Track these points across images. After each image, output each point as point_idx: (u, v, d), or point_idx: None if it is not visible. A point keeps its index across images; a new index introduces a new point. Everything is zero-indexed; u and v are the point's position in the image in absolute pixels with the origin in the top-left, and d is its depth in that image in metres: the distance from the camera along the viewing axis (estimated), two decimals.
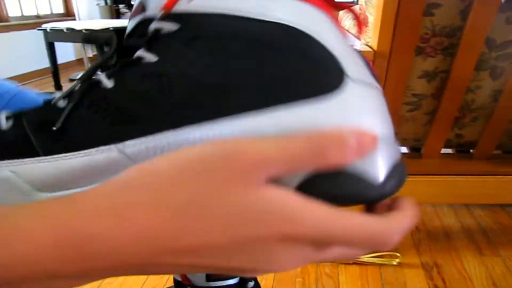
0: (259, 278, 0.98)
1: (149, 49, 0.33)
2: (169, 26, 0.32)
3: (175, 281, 0.92)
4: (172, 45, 0.32)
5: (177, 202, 0.25)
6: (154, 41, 0.33)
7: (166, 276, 1.28)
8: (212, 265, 0.27)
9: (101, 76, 0.33)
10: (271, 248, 0.27)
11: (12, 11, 4.76)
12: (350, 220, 0.28)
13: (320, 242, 0.28)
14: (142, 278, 1.28)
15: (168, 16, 0.32)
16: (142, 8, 0.34)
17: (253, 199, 0.26)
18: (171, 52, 0.32)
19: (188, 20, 0.32)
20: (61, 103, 0.33)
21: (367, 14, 1.16)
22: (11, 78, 4.49)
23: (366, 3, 1.15)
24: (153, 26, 0.33)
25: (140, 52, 0.33)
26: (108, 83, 0.32)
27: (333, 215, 0.27)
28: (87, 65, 4.76)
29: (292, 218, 0.26)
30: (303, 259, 0.29)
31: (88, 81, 0.33)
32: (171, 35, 0.32)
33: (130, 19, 0.35)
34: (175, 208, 0.25)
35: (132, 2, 4.45)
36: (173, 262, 0.27)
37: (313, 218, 0.27)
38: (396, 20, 1.05)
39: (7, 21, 4.62)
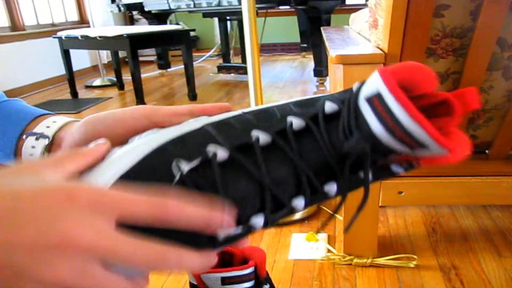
0: (275, 282, 0.99)
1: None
2: (399, 170, 0.39)
3: (191, 284, 0.93)
4: None
5: None
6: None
7: (184, 280, 1.29)
8: None
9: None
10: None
11: (28, 20, 4.83)
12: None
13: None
14: (159, 282, 1.29)
15: None
16: (415, 148, 0.35)
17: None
18: None
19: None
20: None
21: (377, 16, 1.16)
22: (27, 86, 4.57)
23: (375, 6, 1.15)
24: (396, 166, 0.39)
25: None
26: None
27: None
28: (102, 71, 4.80)
29: None
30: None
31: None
32: None
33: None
34: None
35: (146, 9, 4.48)
36: None
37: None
38: (406, 22, 1.05)
39: (23, 29, 4.70)
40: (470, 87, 0.37)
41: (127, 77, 4.47)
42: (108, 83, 4.74)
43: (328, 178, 0.38)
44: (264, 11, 4.06)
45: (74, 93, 4.20)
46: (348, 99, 0.38)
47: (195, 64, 3.99)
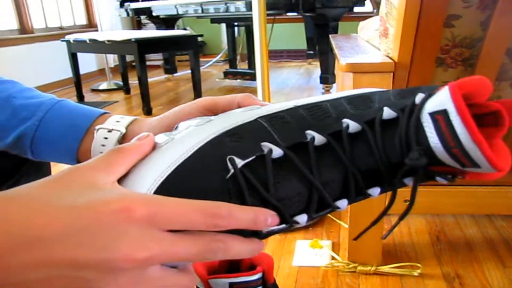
0: None
1: None
2: (444, 181, 0.39)
3: None
4: None
5: None
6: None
7: None
8: None
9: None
10: None
11: (37, 23, 4.87)
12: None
13: None
14: None
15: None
16: (468, 166, 0.35)
17: None
18: None
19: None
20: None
21: (387, 25, 1.17)
22: (35, 88, 4.57)
23: (386, 15, 1.16)
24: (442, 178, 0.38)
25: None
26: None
27: None
28: (109, 75, 4.83)
29: None
30: None
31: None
32: None
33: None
34: None
35: (154, 14, 4.51)
36: None
37: None
38: (417, 32, 1.06)
39: (32, 32, 4.73)
40: None
41: (133, 81, 4.49)
42: (114, 87, 4.77)
43: (375, 183, 0.39)
44: (272, 17, 4.08)
45: (80, 96, 4.22)
46: (409, 109, 0.37)
47: (201, 69, 4.00)
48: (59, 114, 0.54)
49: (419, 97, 0.37)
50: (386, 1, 1.16)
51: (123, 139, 0.50)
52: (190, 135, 0.39)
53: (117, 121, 0.52)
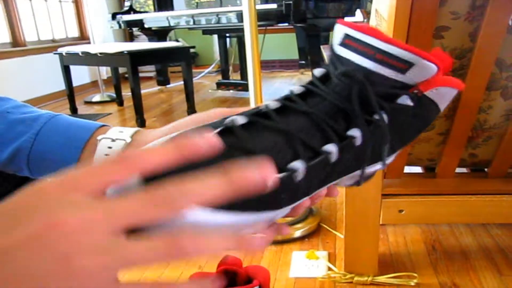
0: None
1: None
2: (408, 102, 0.41)
3: None
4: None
5: None
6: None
7: None
8: None
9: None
10: None
11: (29, 35, 4.86)
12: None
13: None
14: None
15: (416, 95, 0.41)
16: (404, 69, 0.39)
17: None
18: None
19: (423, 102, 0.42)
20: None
21: None
22: (28, 101, 4.55)
23: (376, 27, 1.17)
24: (403, 98, 0.41)
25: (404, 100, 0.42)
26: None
27: None
28: (102, 87, 4.82)
29: None
30: None
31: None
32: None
33: (381, 64, 0.40)
34: None
35: (146, 26, 4.52)
36: None
37: None
38: (407, 43, 1.06)
39: (24, 45, 4.73)
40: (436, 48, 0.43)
41: (126, 93, 4.49)
42: (108, 99, 4.76)
43: (348, 125, 0.41)
44: (264, 28, 4.10)
45: (74, 109, 4.21)
46: (329, 58, 0.44)
47: (194, 80, 4.01)
48: (57, 127, 0.53)
49: (323, 47, 0.44)
50: (375, 13, 1.17)
51: (127, 149, 0.50)
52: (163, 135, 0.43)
53: (120, 132, 0.51)
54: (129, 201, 0.30)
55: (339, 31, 0.42)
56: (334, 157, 0.40)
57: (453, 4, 1.02)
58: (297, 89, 0.43)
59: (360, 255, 1.34)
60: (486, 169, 1.38)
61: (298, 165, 0.37)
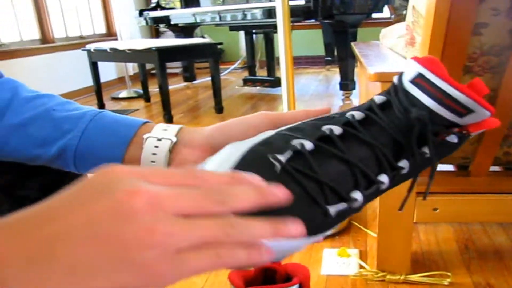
0: None
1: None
2: (455, 140, 0.44)
3: None
4: None
5: None
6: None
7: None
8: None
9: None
10: None
11: (58, 32, 4.94)
12: None
13: None
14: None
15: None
16: (464, 114, 0.42)
17: None
18: None
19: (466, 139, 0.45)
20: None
21: (414, 34, 1.17)
22: None
23: (413, 24, 1.16)
24: (451, 137, 0.44)
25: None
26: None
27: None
28: (129, 83, 4.87)
29: None
30: None
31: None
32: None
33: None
34: None
35: (172, 22, 4.55)
36: None
37: None
38: (445, 41, 1.05)
39: (53, 42, 4.80)
40: (476, 78, 0.44)
41: (152, 89, 4.52)
42: (134, 95, 4.81)
43: (401, 156, 0.44)
44: (291, 24, 4.09)
45: (101, 105, 4.26)
46: (393, 88, 0.45)
47: (220, 76, 4.02)
48: (102, 124, 0.54)
49: (394, 78, 0.45)
50: (412, 10, 1.16)
51: (173, 148, 0.51)
52: (225, 154, 0.42)
53: (164, 130, 0.52)
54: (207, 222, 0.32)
55: (412, 68, 0.43)
56: (385, 186, 0.43)
57: (494, 0, 1.00)
58: (358, 115, 0.44)
59: (392, 253, 1.33)
60: None
61: (358, 196, 0.41)
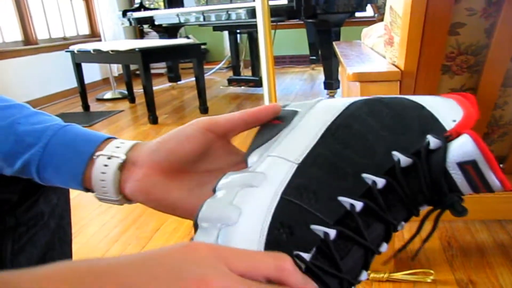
0: None
1: None
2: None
3: None
4: None
5: None
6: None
7: None
8: None
9: None
10: None
11: (41, 33, 4.90)
12: None
13: None
14: None
15: None
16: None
17: None
18: None
19: None
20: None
21: (392, 34, 1.17)
22: (40, 99, 4.61)
23: (391, 24, 1.17)
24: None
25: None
26: None
27: None
28: (113, 84, 4.84)
29: None
30: None
31: None
32: None
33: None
34: None
35: (156, 23, 4.53)
36: None
37: None
38: (422, 40, 1.06)
39: (36, 43, 4.76)
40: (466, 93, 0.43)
41: (137, 90, 4.50)
42: (119, 96, 4.78)
43: (406, 220, 0.43)
44: (274, 24, 4.09)
45: (86, 106, 4.23)
46: (425, 154, 0.40)
47: (205, 76, 4.02)
48: (64, 140, 0.53)
49: (432, 141, 0.40)
50: (390, 10, 1.16)
51: (123, 166, 0.49)
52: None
53: (117, 147, 0.51)
54: None
55: (466, 147, 0.38)
56: (382, 251, 0.42)
57: (469, 1, 1.01)
58: (380, 182, 0.40)
59: None
60: (501, 165, 1.37)
61: (364, 277, 0.40)
